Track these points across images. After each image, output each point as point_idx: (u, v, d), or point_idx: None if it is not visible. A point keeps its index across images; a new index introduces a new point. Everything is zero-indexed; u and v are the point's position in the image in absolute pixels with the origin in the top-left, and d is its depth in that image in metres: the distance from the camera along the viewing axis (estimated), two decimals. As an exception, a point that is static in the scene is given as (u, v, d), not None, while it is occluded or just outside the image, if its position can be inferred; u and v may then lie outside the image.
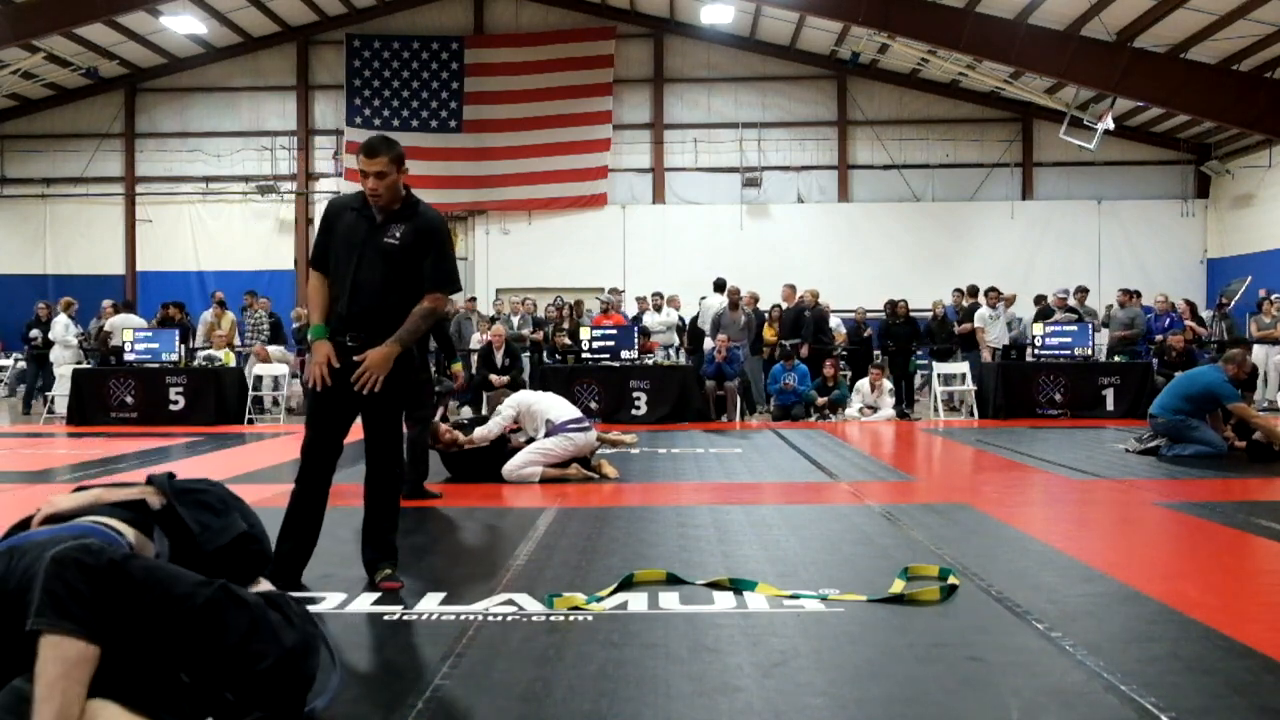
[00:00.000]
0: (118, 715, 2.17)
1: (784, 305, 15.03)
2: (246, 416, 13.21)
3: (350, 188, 20.74)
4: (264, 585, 2.94)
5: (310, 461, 4.15)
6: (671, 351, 15.33)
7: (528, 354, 14.55)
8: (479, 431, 7.48)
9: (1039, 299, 15.85)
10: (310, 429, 4.17)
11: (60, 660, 2.12)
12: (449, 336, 7.32)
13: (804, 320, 14.63)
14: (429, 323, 4.09)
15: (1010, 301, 15.28)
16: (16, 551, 2.45)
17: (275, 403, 13.73)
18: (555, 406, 7.61)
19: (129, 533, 2.74)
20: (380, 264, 4.02)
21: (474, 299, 18.07)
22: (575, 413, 7.72)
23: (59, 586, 2.16)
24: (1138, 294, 15.35)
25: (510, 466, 7.24)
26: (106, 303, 16.09)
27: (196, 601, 2.32)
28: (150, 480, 2.98)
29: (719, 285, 14.78)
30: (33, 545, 2.47)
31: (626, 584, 3.99)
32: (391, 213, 4.05)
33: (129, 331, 14.03)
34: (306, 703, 2.59)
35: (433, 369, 8.48)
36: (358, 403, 4.06)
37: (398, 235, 4.03)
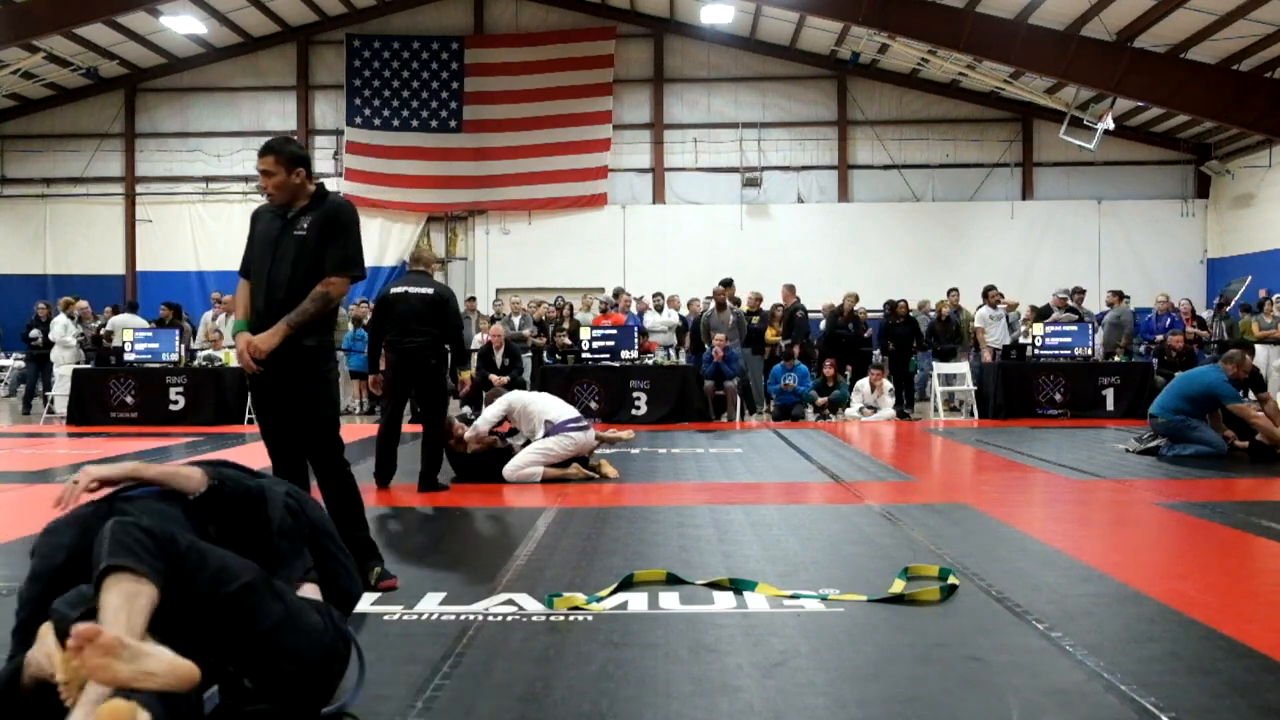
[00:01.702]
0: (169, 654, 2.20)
1: (784, 306, 15.01)
2: (246, 416, 13.20)
3: (350, 188, 20.88)
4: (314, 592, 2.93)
5: (276, 464, 4.21)
6: (671, 351, 15.33)
7: (528, 354, 14.55)
8: (468, 433, 7.45)
9: (1034, 309, 15.82)
10: (265, 436, 4.24)
11: (123, 592, 2.18)
12: (463, 341, 7.33)
13: (795, 320, 14.63)
14: (321, 305, 4.06)
15: (1012, 306, 15.28)
16: (119, 499, 2.73)
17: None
18: (553, 407, 7.61)
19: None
20: (291, 258, 4.08)
21: (473, 299, 18.05)
22: (573, 412, 7.73)
23: (126, 538, 2.26)
24: (1119, 294, 15.53)
25: (511, 467, 7.24)
26: (83, 303, 16.04)
27: (235, 583, 2.39)
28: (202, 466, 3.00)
29: (726, 285, 14.78)
30: (136, 497, 2.74)
31: (626, 584, 4.00)
32: (302, 208, 4.13)
33: (129, 331, 14.03)
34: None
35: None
36: (285, 401, 4.10)
37: (305, 226, 4.10)
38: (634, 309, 15.83)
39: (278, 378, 4.04)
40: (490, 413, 7.53)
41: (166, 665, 2.11)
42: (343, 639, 2.68)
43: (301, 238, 4.07)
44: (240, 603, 2.37)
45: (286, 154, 4.07)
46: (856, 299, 14.85)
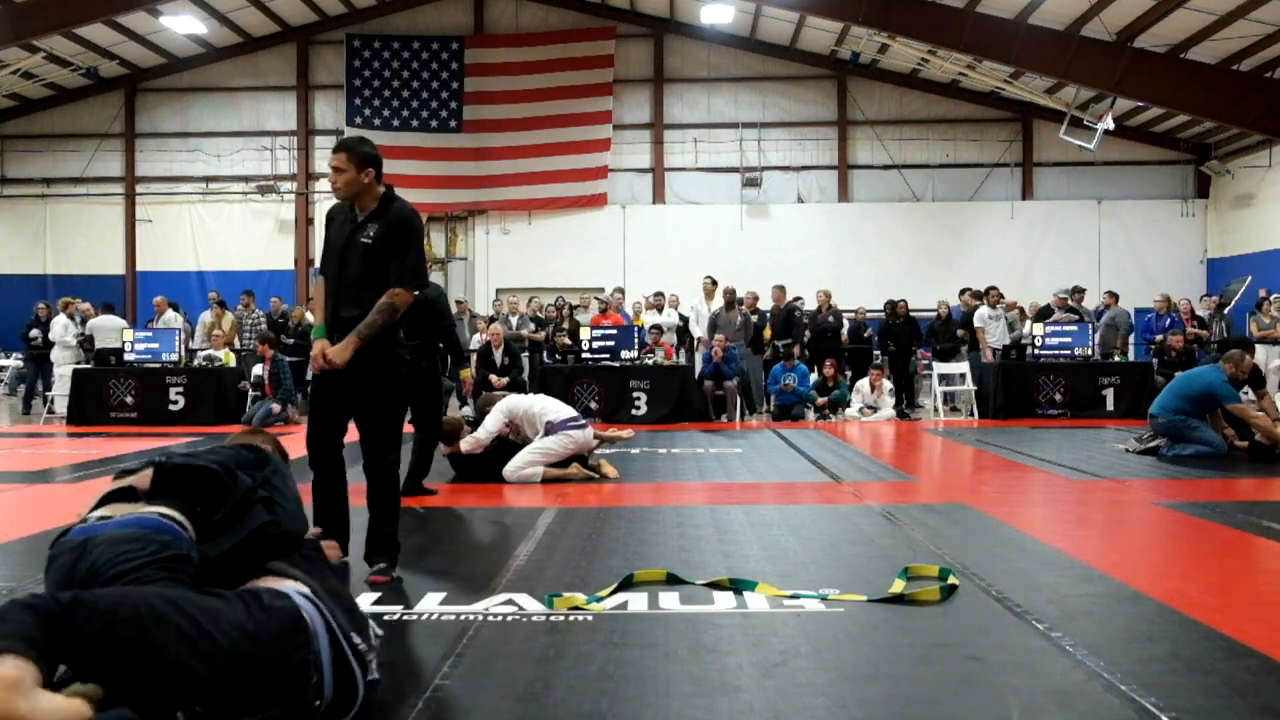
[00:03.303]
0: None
1: (778, 306, 15.03)
2: (246, 416, 13.19)
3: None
4: (283, 582, 2.76)
5: (313, 451, 4.31)
6: (672, 350, 15.33)
7: (527, 354, 14.55)
8: (465, 445, 7.39)
9: (1022, 311, 15.88)
10: (310, 422, 4.36)
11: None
12: (458, 341, 7.27)
13: (794, 321, 14.62)
14: (387, 316, 4.13)
15: (1011, 307, 15.31)
16: (89, 544, 2.65)
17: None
18: (550, 407, 7.61)
19: (188, 524, 2.83)
20: (359, 264, 4.17)
21: (462, 301, 18.02)
22: (571, 411, 7.73)
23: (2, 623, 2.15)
24: (1113, 295, 15.70)
25: (511, 467, 7.23)
26: (85, 305, 15.99)
27: (128, 622, 2.25)
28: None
29: (714, 284, 14.81)
30: (100, 541, 2.66)
31: (626, 584, 4.00)
32: (370, 212, 4.20)
33: (128, 332, 14.03)
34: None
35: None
36: (350, 399, 4.20)
37: (371, 234, 4.17)
38: (628, 309, 15.81)
39: (350, 368, 4.11)
40: (490, 423, 7.38)
41: (55, 707, 2.09)
42: (284, 618, 2.47)
43: (368, 245, 4.16)
44: (139, 639, 2.24)
45: (359, 154, 4.16)
46: (829, 295, 14.99)
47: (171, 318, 15.50)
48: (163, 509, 2.82)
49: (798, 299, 15.73)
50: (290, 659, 2.42)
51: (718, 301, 14.29)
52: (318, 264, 4.57)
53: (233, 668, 2.31)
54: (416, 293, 4.27)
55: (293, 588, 2.66)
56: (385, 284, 4.13)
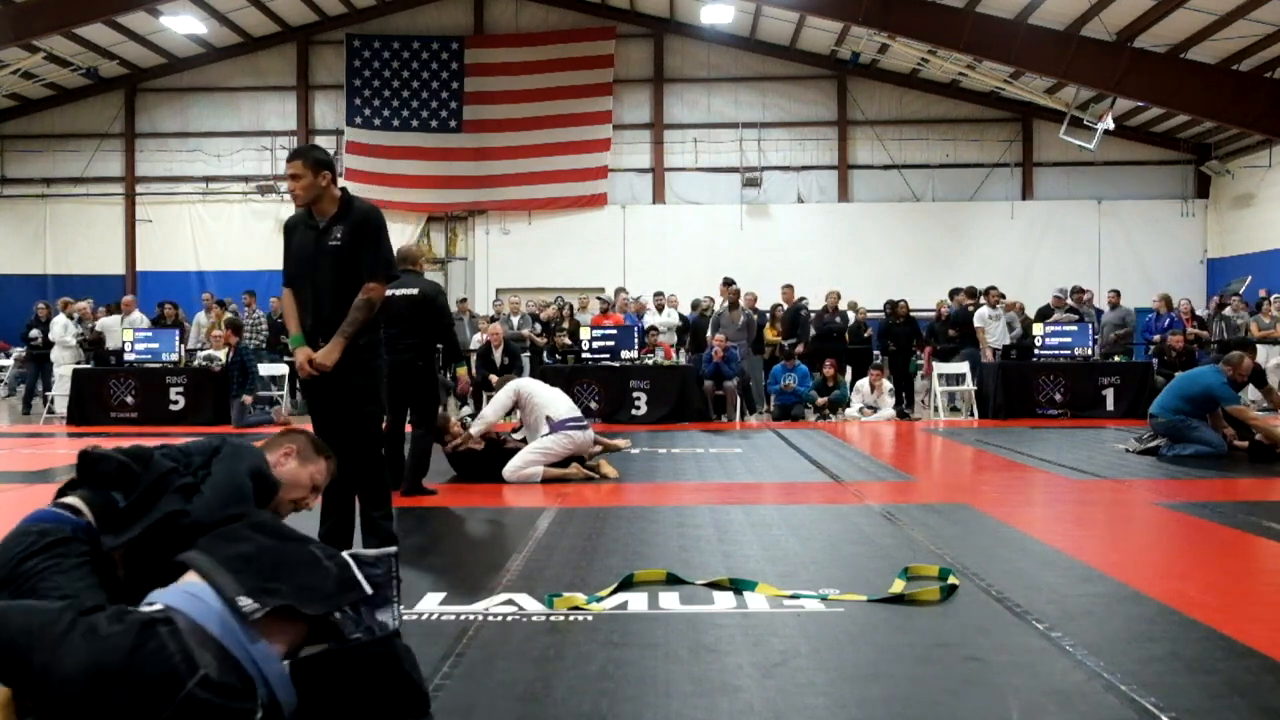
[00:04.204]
0: None
1: (784, 305, 15.04)
2: (235, 419, 13.17)
3: (350, 188, 20.76)
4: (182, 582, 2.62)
5: None
6: (672, 351, 15.32)
7: (527, 354, 14.56)
8: (476, 428, 7.45)
9: (1022, 311, 15.90)
10: (313, 425, 4.50)
11: None
12: (455, 339, 7.24)
13: (800, 320, 14.62)
14: (367, 313, 4.29)
15: (1011, 307, 15.30)
16: None
17: (274, 401, 13.72)
18: (555, 402, 7.62)
19: (86, 510, 2.85)
20: (330, 268, 4.32)
21: (464, 300, 18.03)
22: (575, 410, 7.75)
23: None
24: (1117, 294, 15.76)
25: (511, 467, 7.24)
26: (83, 304, 15.94)
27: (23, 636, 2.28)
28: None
29: (728, 284, 14.82)
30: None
31: (626, 584, 4.00)
32: (332, 217, 4.37)
33: (129, 331, 14.03)
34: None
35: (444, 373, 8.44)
36: (333, 397, 4.36)
37: (338, 236, 4.33)
38: (632, 309, 15.80)
39: (329, 374, 4.28)
40: (498, 401, 7.53)
41: None
42: (126, 638, 2.33)
43: (336, 247, 4.31)
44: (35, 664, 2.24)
45: (313, 159, 4.36)
46: (839, 296, 15.06)
47: (138, 319, 15.34)
48: (67, 499, 2.87)
49: (803, 299, 15.72)
50: (147, 668, 2.28)
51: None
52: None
53: (81, 673, 2.26)
54: (389, 288, 4.50)
55: (176, 586, 2.54)
56: (360, 282, 4.28)
